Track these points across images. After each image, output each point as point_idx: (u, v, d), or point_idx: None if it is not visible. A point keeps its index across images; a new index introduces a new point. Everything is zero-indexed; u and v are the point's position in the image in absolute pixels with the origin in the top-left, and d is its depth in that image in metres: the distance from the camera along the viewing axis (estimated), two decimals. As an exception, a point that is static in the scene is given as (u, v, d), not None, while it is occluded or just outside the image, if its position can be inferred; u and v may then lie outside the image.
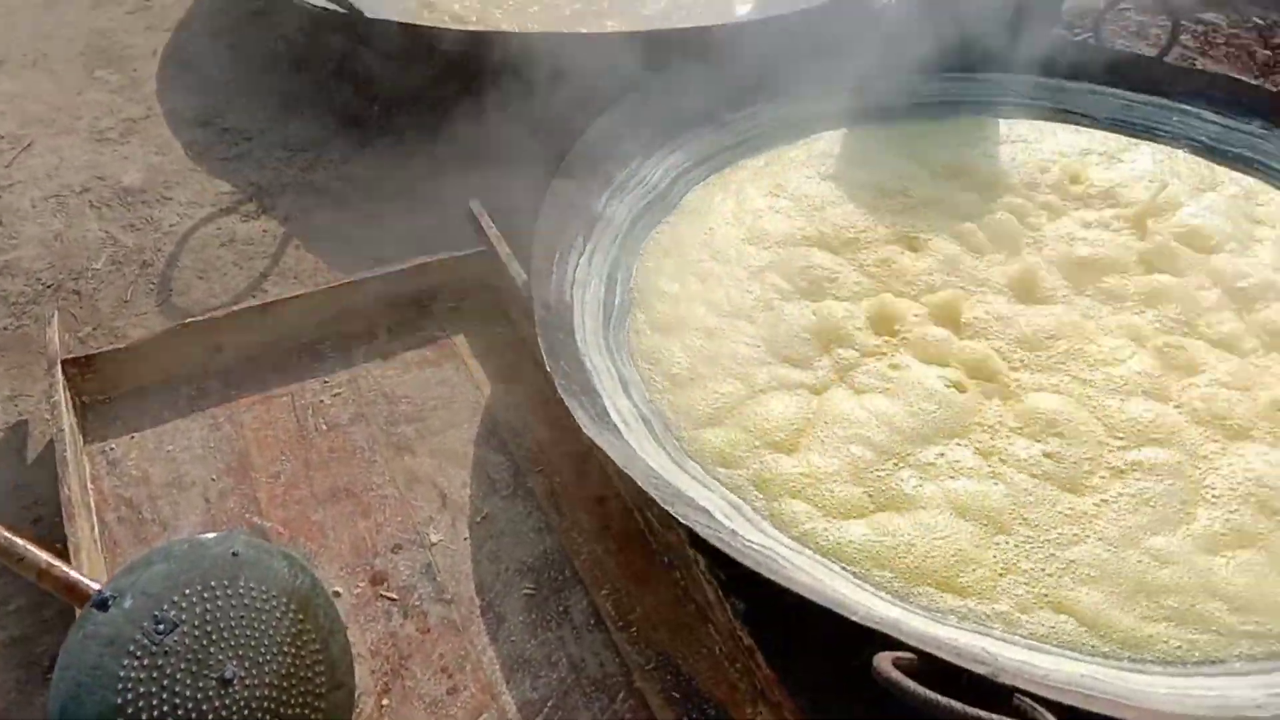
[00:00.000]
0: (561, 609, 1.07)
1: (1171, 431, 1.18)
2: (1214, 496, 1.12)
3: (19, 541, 0.88)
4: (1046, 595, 1.02)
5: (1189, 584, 1.03)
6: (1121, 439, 1.17)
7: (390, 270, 1.42)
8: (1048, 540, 1.07)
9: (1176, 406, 1.22)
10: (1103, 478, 1.13)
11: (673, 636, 1.05)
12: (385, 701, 0.98)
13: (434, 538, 1.13)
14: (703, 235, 1.48)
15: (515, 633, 1.04)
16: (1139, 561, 1.05)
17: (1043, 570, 1.04)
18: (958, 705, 0.76)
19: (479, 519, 1.16)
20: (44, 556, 0.88)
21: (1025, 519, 1.09)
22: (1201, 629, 1.00)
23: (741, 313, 1.33)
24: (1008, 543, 1.06)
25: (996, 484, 1.12)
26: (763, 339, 1.29)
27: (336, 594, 1.06)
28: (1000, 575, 1.03)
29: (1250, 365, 1.29)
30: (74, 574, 0.88)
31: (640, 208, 1.53)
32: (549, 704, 0.98)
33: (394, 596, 1.07)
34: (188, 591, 0.87)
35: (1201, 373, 1.27)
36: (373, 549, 1.12)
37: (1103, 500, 1.10)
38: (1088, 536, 1.07)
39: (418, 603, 1.06)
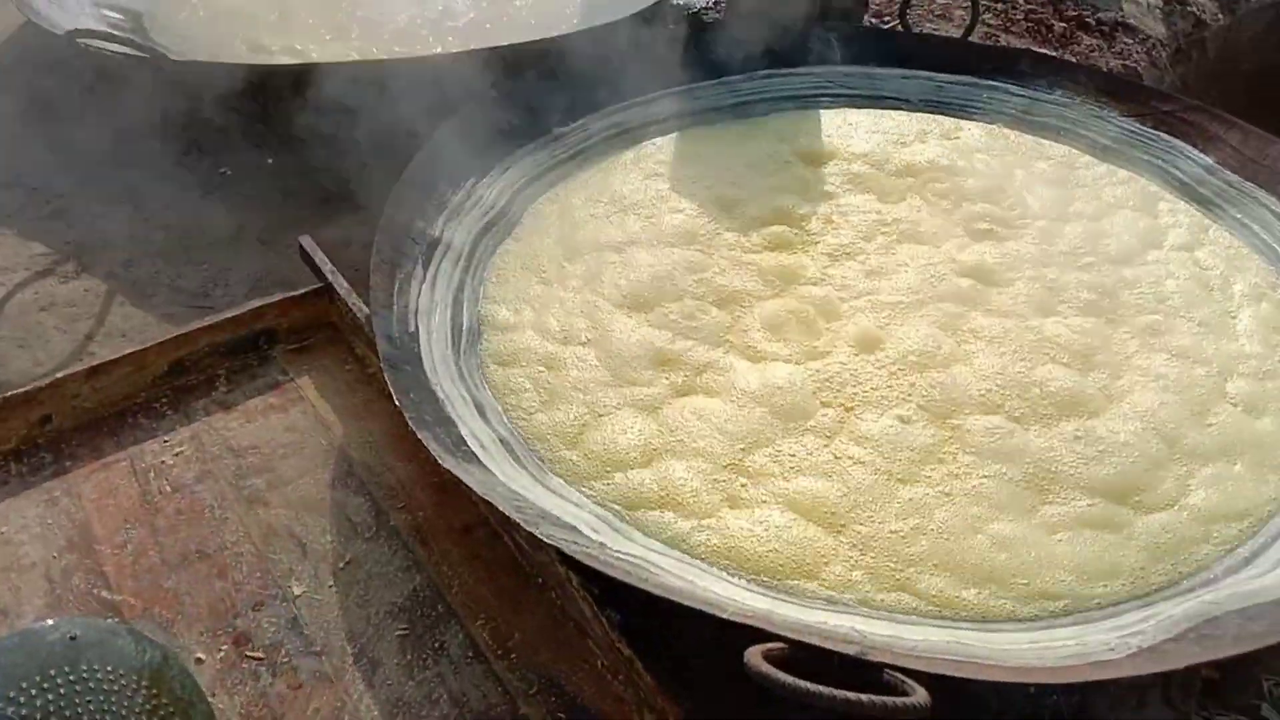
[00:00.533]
0: (438, 645, 1.05)
1: (1014, 417, 1.22)
2: (1058, 482, 1.15)
3: None
4: (900, 585, 1.04)
5: (1034, 562, 1.06)
6: (960, 427, 1.20)
7: (222, 317, 1.37)
8: (893, 533, 1.09)
9: (1021, 395, 1.25)
10: (944, 469, 1.15)
11: (554, 657, 1.04)
12: (260, 766, 0.94)
13: (297, 590, 1.09)
14: (532, 256, 1.47)
15: (392, 676, 1.02)
16: (985, 548, 1.07)
17: (889, 564, 1.06)
18: (825, 690, 0.78)
19: (343, 565, 1.13)
20: None
21: (862, 518, 1.10)
22: (1052, 599, 1.04)
23: (573, 337, 1.32)
24: (853, 538, 1.08)
25: (834, 481, 1.13)
26: (599, 361, 1.29)
27: (199, 660, 1.01)
28: (851, 569, 1.05)
29: (1110, 343, 1.33)
30: (-105, 683, 0.81)
31: (479, 229, 1.51)
32: (432, 744, 0.96)
33: (260, 656, 1.03)
34: (25, 685, 0.82)
35: (1054, 361, 1.30)
36: (233, 609, 1.07)
37: (944, 493, 1.13)
38: (930, 528, 1.09)
39: (286, 659, 1.03)
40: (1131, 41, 2.36)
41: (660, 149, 1.71)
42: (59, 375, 1.28)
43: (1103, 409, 1.24)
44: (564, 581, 1.05)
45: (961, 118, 1.79)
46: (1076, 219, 1.55)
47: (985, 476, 1.15)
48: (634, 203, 1.57)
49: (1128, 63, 2.30)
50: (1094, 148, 1.73)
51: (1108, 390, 1.26)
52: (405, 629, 1.06)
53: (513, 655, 1.04)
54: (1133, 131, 1.74)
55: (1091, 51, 2.33)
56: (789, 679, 0.78)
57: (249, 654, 1.03)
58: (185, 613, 1.07)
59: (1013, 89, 1.85)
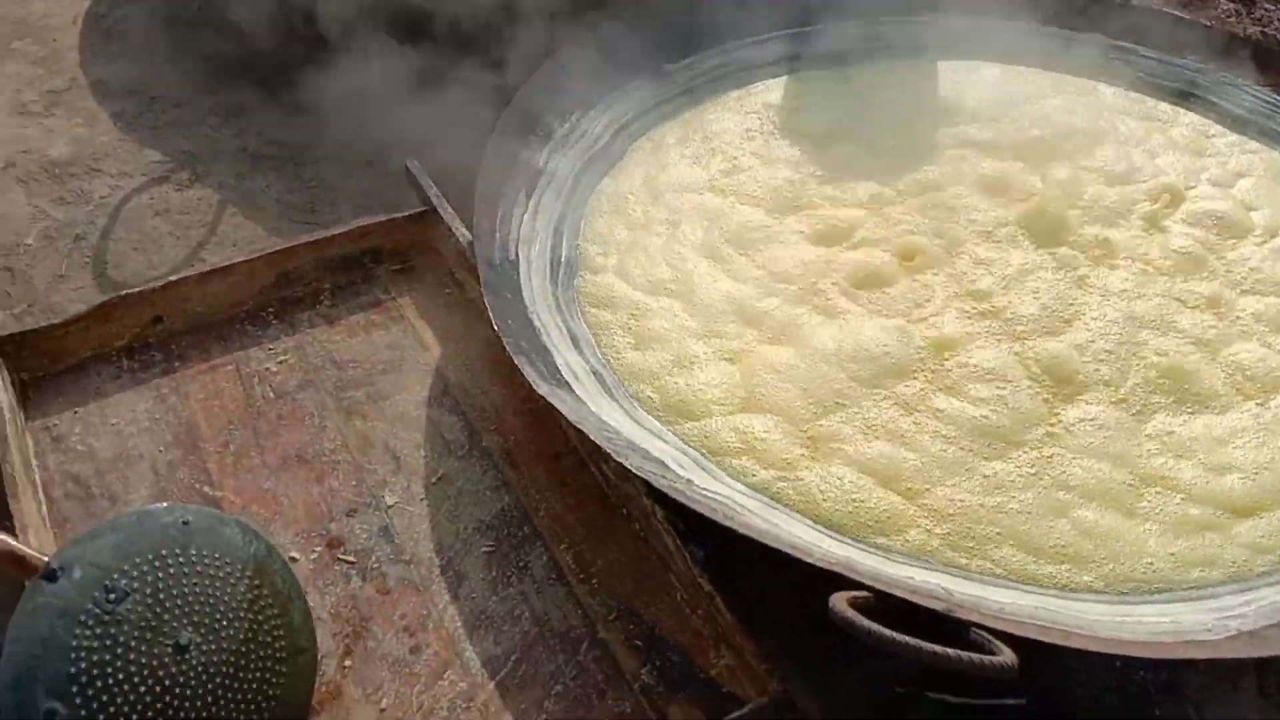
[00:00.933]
0: (522, 565, 1.07)
1: (1132, 410, 1.16)
2: (1165, 483, 1.09)
3: (-41, 520, 0.86)
4: (978, 555, 1.02)
5: (1121, 551, 1.03)
6: (1061, 400, 1.16)
7: (329, 233, 1.40)
8: (970, 508, 1.06)
9: (1136, 365, 1.21)
10: (1035, 453, 1.11)
11: (635, 587, 1.05)
12: (348, 663, 0.97)
13: (390, 500, 1.12)
14: (621, 198, 1.46)
15: (476, 590, 1.04)
16: (1069, 533, 1.04)
17: (965, 541, 1.03)
18: (910, 641, 0.78)
19: (435, 480, 1.15)
20: (-14, 534, 0.86)
21: (938, 492, 1.07)
22: (1145, 585, 1.01)
23: (658, 287, 1.31)
24: (926, 508, 1.06)
25: (912, 451, 1.11)
26: (685, 312, 1.27)
27: (294, 559, 1.05)
28: (928, 537, 1.03)
29: (1227, 320, 1.28)
30: (20, 547, 0.86)
31: (582, 162, 1.51)
32: (513, 658, 0.98)
33: (352, 560, 1.06)
34: (138, 561, 0.85)
35: (1173, 331, 1.25)
36: (328, 514, 1.11)
37: (1031, 475, 1.09)
38: (1010, 508, 1.06)
39: (376, 565, 1.06)
40: (1273, 8, 2.23)
41: (767, 91, 1.68)
42: (171, 278, 1.32)
43: (1232, 406, 1.18)
44: (649, 514, 1.06)
45: (1090, 78, 1.72)
46: (1209, 186, 1.48)
47: (1081, 466, 1.10)
48: (726, 145, 1.54)
49: (1267, 30, 2.18)
50: (1226, 117, 1.65)
51: (1242, 382, 1.20)
52: (492, 546, 1.09)
53: (594, 581, 1.06)
54: (1269, 102, 1.65)
55: (1228, 17, 2.21)
56: (874, 626, 0.78)
57: (341, 557, 1.06)
58: (283, 513, 1.10)
59: (1144, 51, 1.77)
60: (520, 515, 1.12)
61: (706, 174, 1.49)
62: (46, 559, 0.86)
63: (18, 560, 0.86)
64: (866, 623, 0.78)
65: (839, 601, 0.81)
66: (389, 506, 1.12)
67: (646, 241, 1.38)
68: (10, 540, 0.87)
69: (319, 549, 1.07)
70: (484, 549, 1.08)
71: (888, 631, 0.77)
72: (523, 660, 0.98)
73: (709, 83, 1.70)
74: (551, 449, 1.19)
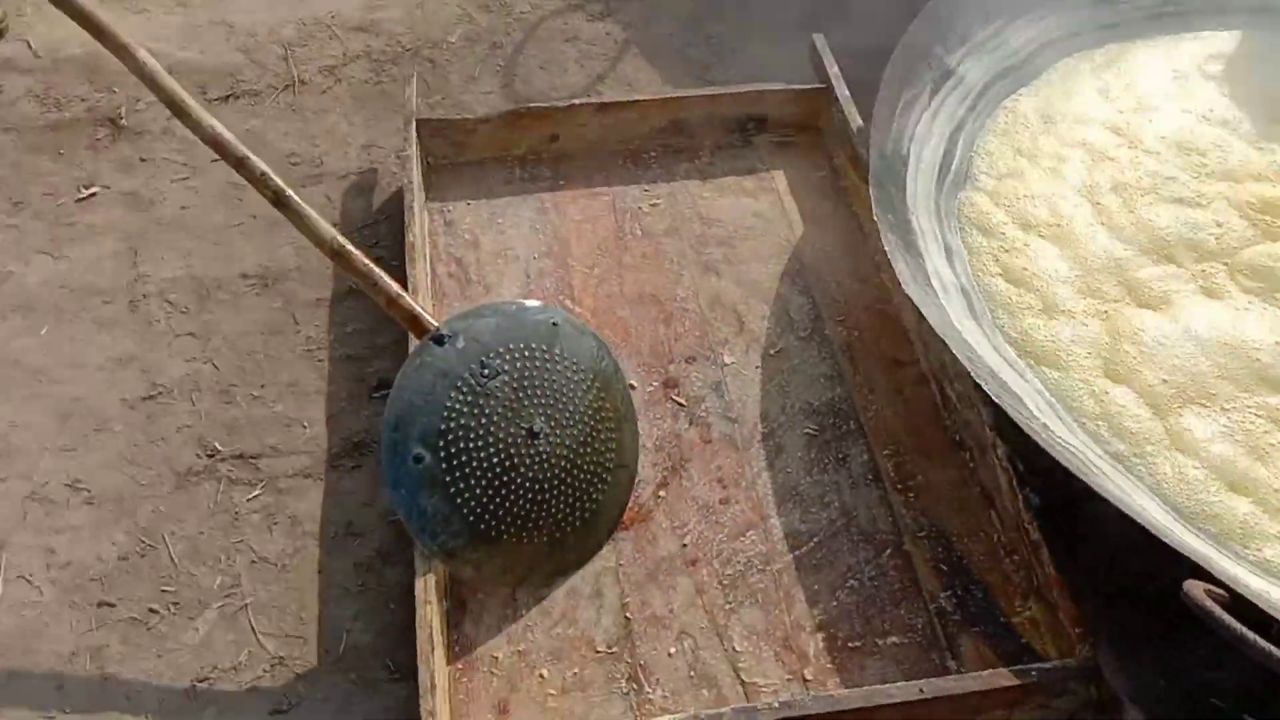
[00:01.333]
0: (841, 456, 1.06)
1: None
2: None
3: (376, 269, 0.96)
4: None
5: None
6: None
7: (724, 91, 1.41)
8: None
9: None
10: None
11: (951, 513, 1.02)
12: (662, 494, 1.01)
13: (728, 359, 1.14)
14: (1018, 119, 1.36)
15: (791, 466, 1.05)
16: None
17: None
18: (1277, 650, 0.70)
19: (773, 352, 1.16)
20: (395, 287, 0.95)
21: None
22: None
23: (1032, 225, 1.21)
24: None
25: (1271, 470, 0.98)
26: (1059, 256, 1.18)
27: (632, 386, 1.09)
28: None
29: None
30: (418, 308, 0.95)
31: (995, 72, 1.42)
32: (815, 539, 0.99)
33: (683, 402, 1.10)
34: (511, 346, 0.92)
35: None
36: (669, 355, 1.14)
37: None
38: None
39: (704, 414, 1.09)
40: None
41: (1213, 41, 1.49)
42: (574, 102, 1.38)
43: None
44: (987, 446, 1.01)
45: None
46: None
47: None
48: (1144, 86, 1.40)
49: None
50: None
51: None
52: (815, 430, 1.08)
53: (910, 494, 1.03)
54: None
55: None
56: (1235, 623, 0.71)
57: (674, 398, 1.10)
58: (630, 343, 1.15)
59: None
60: (848, 410, 1.11)
61: (1110, 109, 1.36)
62: (437, 324, 0.94)
63: (414, 319, 0.95)
64: (1228, 617, 0.71)
65: (1196, 588, 0.75)
66: (726, 364, 1.14)
67: (1031, 172, 1.29)
68: (412, 301, 0.96)
69: (655, 384, 1.11)
70: (807, 430, 1.08)
71: (1251, 633, 0.70)
72: (823, 545, 0.99)
73: (1147, 19, 1.54)
74: (893, 354, 1.16)
